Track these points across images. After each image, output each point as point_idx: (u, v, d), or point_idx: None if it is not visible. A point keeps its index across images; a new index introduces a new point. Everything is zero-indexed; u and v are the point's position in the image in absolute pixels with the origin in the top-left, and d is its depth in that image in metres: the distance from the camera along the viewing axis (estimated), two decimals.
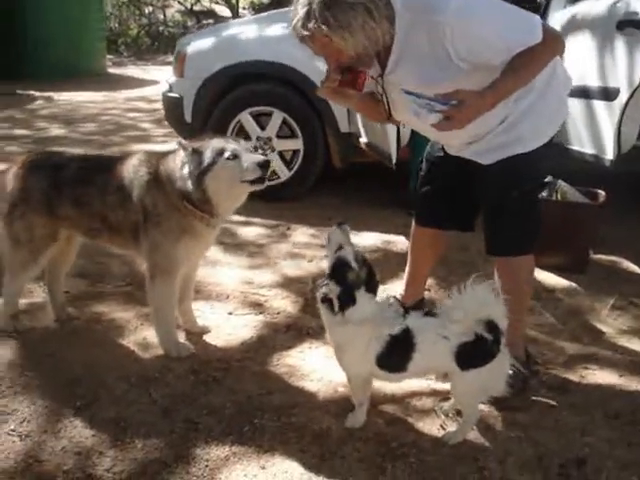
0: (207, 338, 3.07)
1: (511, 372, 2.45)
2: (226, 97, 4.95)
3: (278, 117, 4.91)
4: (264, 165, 2.63)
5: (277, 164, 4.97)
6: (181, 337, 3.04)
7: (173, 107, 5.25)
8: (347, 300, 2.22)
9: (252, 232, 4.48)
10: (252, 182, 2.65)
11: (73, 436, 2.46)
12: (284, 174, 5.02)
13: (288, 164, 5.03)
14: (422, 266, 3.06)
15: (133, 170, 2.78)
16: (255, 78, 4.89)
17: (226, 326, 3.18)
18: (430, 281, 3.40)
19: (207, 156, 2.62)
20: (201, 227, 2.75)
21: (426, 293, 3.30)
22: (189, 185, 2.65)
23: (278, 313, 3.34)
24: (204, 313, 3.31)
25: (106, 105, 9.53)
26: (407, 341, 2.22)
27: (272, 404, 2.58)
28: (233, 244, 4.26)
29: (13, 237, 2.91)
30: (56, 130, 7.84)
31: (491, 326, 2.19)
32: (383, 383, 2.57)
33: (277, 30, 4.75)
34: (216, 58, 4.95)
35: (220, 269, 3.87)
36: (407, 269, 3.09)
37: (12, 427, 2.52)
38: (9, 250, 2.95)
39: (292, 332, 3.14)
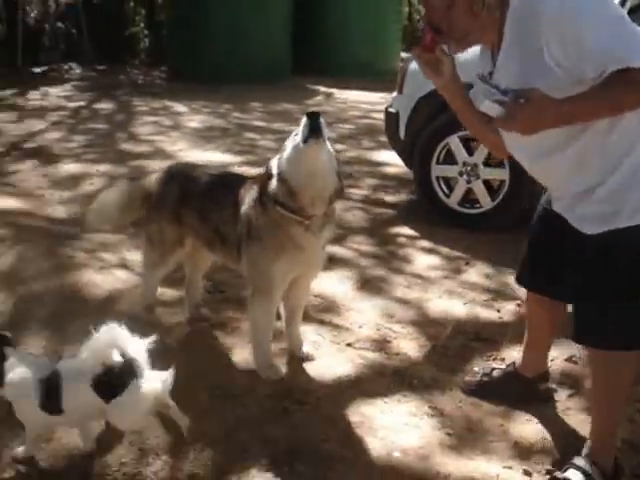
0: (306, 366, 3.04)
1: None
2: (437, 118, 4.80)
3: None
4: (310, 115, 2.50)
5: (480, 192, 4.74)
6: (282, 358, 3.05)
7: (391, 122, 5.24)
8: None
9: (427, 261, 4.32)
10: (306, 140, 2.50)
11: (144, 433, 2.62)
12: (486, 203, 4.76)
13: (493, 194, 4.75)
14: (538, 330, 2.73)
15: (248, 187, 2.85)
16: None
17: (334, 357, 3.13)
18: None
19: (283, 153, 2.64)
20: (299, 234, 2.67)
21: None
22: (274, 184, 2.63)
23: (397, 354, 3.19)
24: (324, 339, 3.28)
25: (376, 107, 9.75)
26: (56, 383, 2.34)
27: (321, 452, 2.49)
28: (398, 270, 4.15)
29: (148, 237, 3.17)
30: None
31: (122, 359, 2.32)
32: None
33: None
34: None
35: (370, 295, 3.80)
36: (526, 331, 2.79)
37: None
38: (144, 248, 3.22)
39: (395, 378, 2.99)
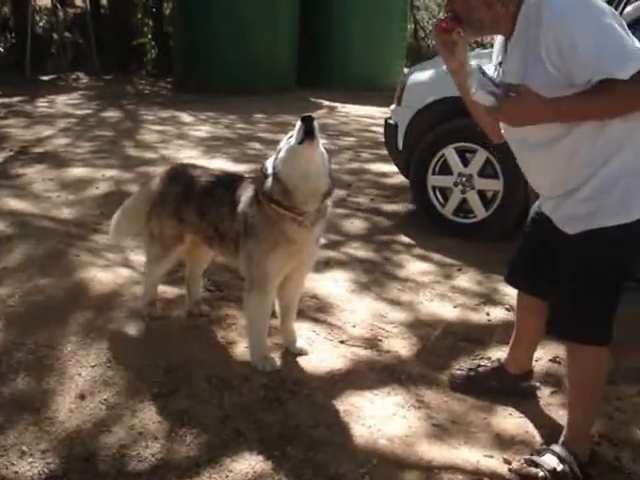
0: (300, 359, 3.17)
1: (560, 468, 2.25)
2: (433, 130, 4.95)
3: (482, 155, 4.81)
4: (305, 119, 2.66)
5: (475, 202, 4.89)
6: (277, 352, 3.19)
7: (389, 133, 5.40)
8: None
9: (421, 267, 4.45)
10: (301, 141, 2.67)
11: (144, 417, 2.77)
12: (480, 213, 4.90)
13: (487, 204, 4.90)
14: (524, 330, 2.87)
15: (245, 187, 3.01)
16: (463, 113, 4.81)
17: (327, 353, 3.26)
18: None
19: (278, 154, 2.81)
20: (293, 230, 2.83)
21: None
22: (270, 183, 2.79)
23: (387, 352, 3.33)
24: (318, 336, 3.42)
25: (377, 121, 9.92)
26: None
27: (311, 437, 2.63)
28: (392, 275, 4.29)
29: (150, 232, 3.32)
30: None
31: None
32: None
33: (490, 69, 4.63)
34: (429, 91, 4.99)
35: (364, 297, 3.93)
36: (513, 331, 2.93)
37: (105, 396, 2.90)
38: (146, 243, 3.37)
39: (384, 373, 3.12)
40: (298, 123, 2.70)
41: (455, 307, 3.86)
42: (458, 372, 3.05)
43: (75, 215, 5.17)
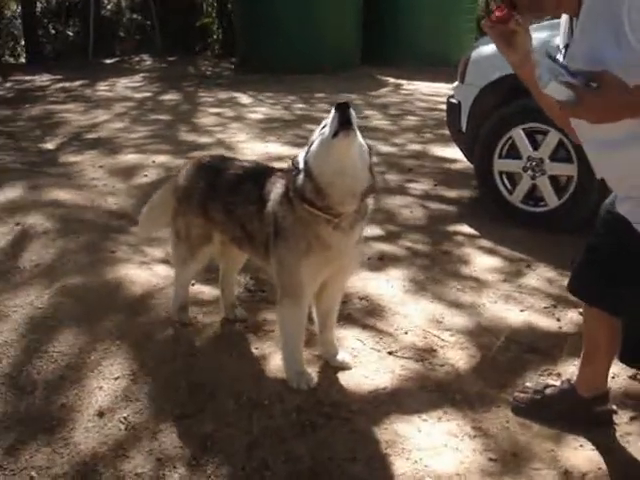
0: (341, 375, 2.82)
1: None
2: (500, 109, 4.49)
3: (554, 137, 4.32)
4: (340, 107, 2.29)
5: (546, 189, 4.41)
6: (315, 366, 2.85)
7: (452, 113, 4.97)
8: None
9: (485, 263, 4.03)
10: (336, 133, 2.30)
11: (164, 441, 2.50)
12: (552, 201, 4.42)
13: (560, 191, 4.41)
14: (595, 346, 2.44)
15: (274, 182, 2.65)
16: None
17: (372, 367, 2.90)
18: None
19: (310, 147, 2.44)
20: (328, 233, 2.47)
21: None
22: (301, 180, 2.43)
23: (442, 365, 2.95)
24: (365, 346, 3.06)
25: (443, 99, 9.43)
26: None
27: (346, 473, 2.29)
28: (452, 272, 3.88)
29: (175, 231, 3.02)
30: (377, 121, 7.98)
31: None
32: None
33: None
34: (495, 65, 4.49)
35: (419, 298, 3.55)
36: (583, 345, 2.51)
37: (125, 415, 2.64)
38: (172, 242, 3.07)
39: (436, 393, 2.74)
40: (332, 112, 2.32)
41: (522, 311, 3.43)
42: (522, 395, 2.65)
43: (119, 205, 4.95)
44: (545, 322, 3.32)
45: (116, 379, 2.86)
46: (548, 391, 2.63)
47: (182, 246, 3.02)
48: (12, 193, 5.03)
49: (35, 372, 2.92)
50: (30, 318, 3.31)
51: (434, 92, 10.17)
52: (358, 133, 2.38)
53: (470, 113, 4.72)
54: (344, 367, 2.85)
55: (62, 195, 5.05)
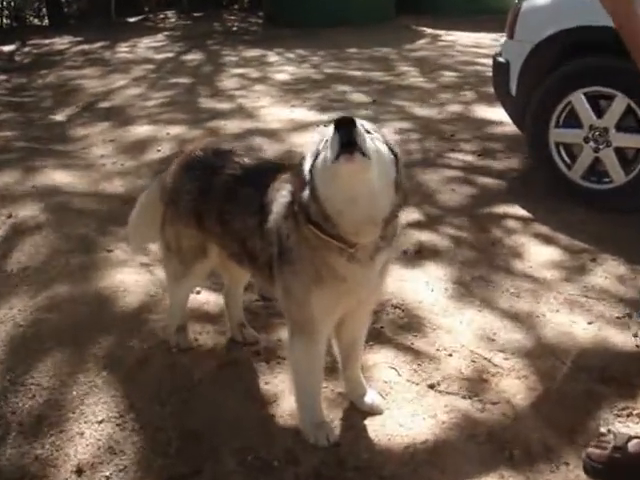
0: (370, 422, 2.28)
1: None
2: (558, 70, 3.83)
3: (621, 103, 3.67)
4: (340, 125, 1.72)
5: (611, 163, 3.77)
6: (338, 408, 2.32)
7: (499, 74, 4.32)
8: None
9: (542, 255, 3.43)
10: (337, 156, 1.73)
11: None
12: (619, 177, 3.78)
13: (628, 165, 3.76)
14: None
15: (278, 188, 2.08)
16: (598, 49, 3.66)
17: (410, 408, 2.35)
18: None
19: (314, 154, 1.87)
20: (340, 264, 1.92)
21: None
22: (307, 197, 1.86)
23: (495, 404, 2.39)
24: (400, 377, 2.52)
25: (486, 51, 8.67)
26: None
27: None
28: (503, 269, 3.29)
29: (165, 243, 2.50)
30: (413, 78, 7.29)
31: None
32: None
33: None
34: (552, 18, 3.85)
35: (465, 305, 2.98)
36: None
37: (107, 474, 2.20)
38: (163, 256, 2.55)
39: (488, 447, 2.19)
40: (331, 129, 1.75)
41: (590, 323, 2.85)
42: (597, 452, 2.09)
43: (125, 188, 4.47)
44: (619, 338, 2.74)
45: (100, 423, 2.38)
46: (632, 447, 2.06)
47: (174, 260, 2.49)
48: (8, 177, 4.57)
49: (10, 411, 2.47)
50: (10, 338, 2.86)
51: (475, 43, 9.39)
52: (377, 142, 1.81)
53: (521, 74, 4.08)
54: (374, 412, 2.30)
55: (63, 179, 4.58)
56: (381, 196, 1.81)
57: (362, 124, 1.79)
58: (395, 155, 1.86)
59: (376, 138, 1.81)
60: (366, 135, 1.76)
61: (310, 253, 1.92)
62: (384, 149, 1.82)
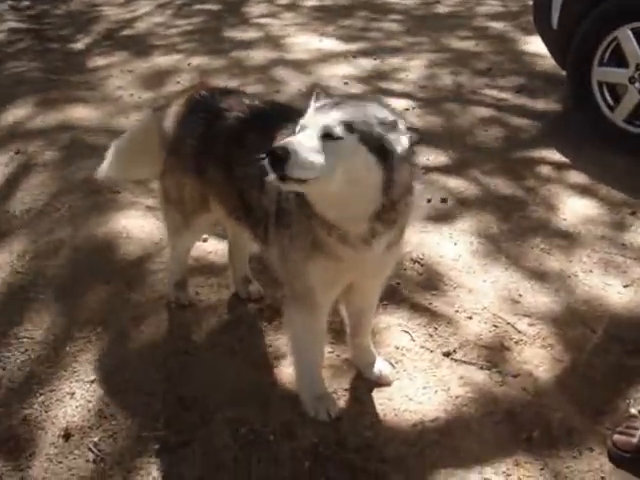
0: (377, 394, 2.10)
1: None
2: (603, 3, 3.47)
3: None
4: (273, 156, 1.51)
5: None
6: (343, 377, 2.14)
7: (540, 6, 3.95)
8: None
9: (578, 208, 3.17)
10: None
11: None
12: None
13: None
14: None
15: (286, 135, 1.84)
16: None
17: (422, 379, 2.17)
18: None
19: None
20: (336, 246, 1.73)
21: None
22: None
23: (515, 376, 2.19)
24: (414, 342, 2.33)
25: None
26: None
27: None
28: (535, 222, 3.06)
29: (164, 192, 2.30)
30: (446, 7, 6.82)
31: None
32: None
33: None
34: None
35: (491, 263, 2.76)
36: None
37: (95, 439, 2.08)
38: (162, 206, 2.36)
39: (505, 426, 2.00)
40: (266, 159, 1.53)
41: (626, 286, 2.60)
42: (624, 438, 1.89)
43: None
44: None
45: (91, 383, 2.27)
46: None
47: (173, 211, 2.30)
48: (21, 111, 4.40)
49: (1, 366, 2.34)
50: (7, 286, 2.72)
51: None
52: (346, 150, 1.57)
53: (564, 7, 3.71)
54: (382, 382, 2.12)
55: (76, 113, 4.39)
56: (359, 199, 1.62)
57: (342, 123, 1.55)
58: (386, 153, 1.59)
59: (344, 146, 1.55)
60: (311, 157, 1.51)
61: (308, 222, 1.71)
62: (361, 157, 1.57)
